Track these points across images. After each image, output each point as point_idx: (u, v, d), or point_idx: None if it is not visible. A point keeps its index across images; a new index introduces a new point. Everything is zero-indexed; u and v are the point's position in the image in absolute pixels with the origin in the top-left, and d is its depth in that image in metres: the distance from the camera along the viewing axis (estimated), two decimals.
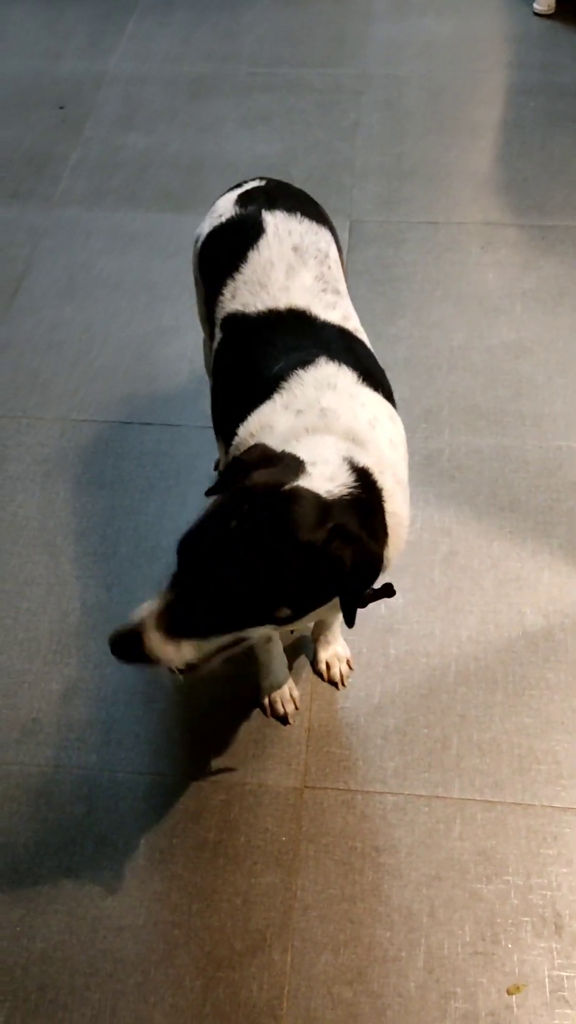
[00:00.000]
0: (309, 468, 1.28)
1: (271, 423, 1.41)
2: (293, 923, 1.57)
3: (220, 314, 1.66)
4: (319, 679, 1.89)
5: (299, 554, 1.21)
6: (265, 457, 1.28)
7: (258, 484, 1.23)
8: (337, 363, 1.46)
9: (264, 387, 1.46)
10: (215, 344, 1.67)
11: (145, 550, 2.10)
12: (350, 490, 1.28)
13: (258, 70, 3.54)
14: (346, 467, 1.31)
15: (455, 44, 3.61)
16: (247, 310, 1.59)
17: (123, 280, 2.75)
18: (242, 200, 1.75)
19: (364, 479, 1.32)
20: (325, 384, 1.42)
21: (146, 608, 1.29)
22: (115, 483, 2.24)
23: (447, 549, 2.09)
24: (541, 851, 1.66)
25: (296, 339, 1.51)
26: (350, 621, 1.26)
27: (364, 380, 1.47)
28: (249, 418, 1.44)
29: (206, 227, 1.80)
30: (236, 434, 1.46)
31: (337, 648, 1.88)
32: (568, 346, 2.53)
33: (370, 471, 1.35)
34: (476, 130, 3.23)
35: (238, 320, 1.60)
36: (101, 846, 1.66)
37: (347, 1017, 1.48)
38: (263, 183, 1.82)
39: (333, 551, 1.20)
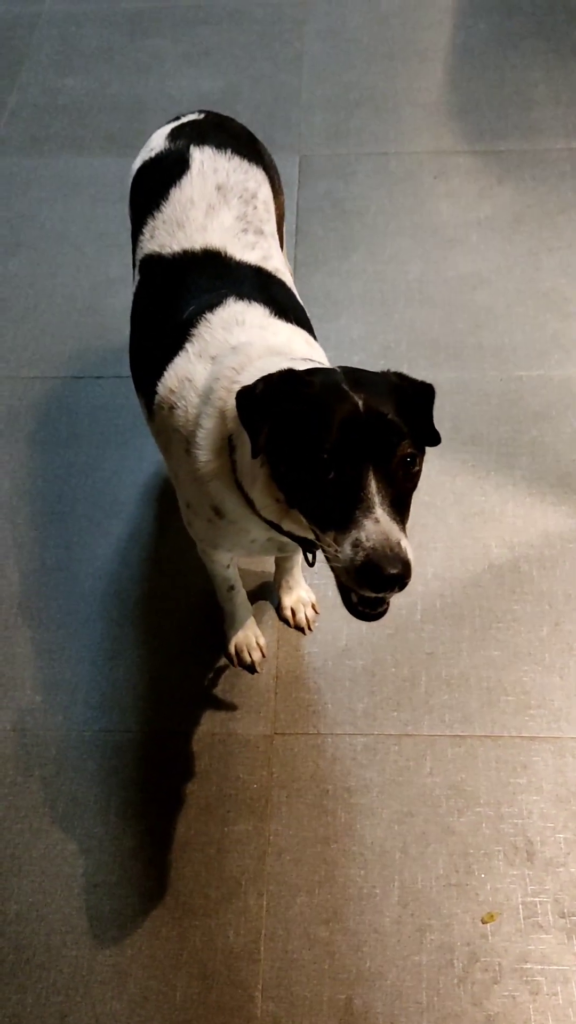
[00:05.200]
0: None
1: (189, 375, 1.37)
2: (268, 868, 1.58)
3: (139, 255, 1.61)
4: (285, 625, 1.87)
5: (403, 388, 1.23)
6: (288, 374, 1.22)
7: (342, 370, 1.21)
8: (247, 301, 1.43)
9: (176, 334, 1.42)
10: (133, 287, 1.62)
11: (103, 506, 2.06)
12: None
13: (197, 3, 3.41)
14: (297, 361, 1.30)
15: None
16: (163, 251, 1.54)
17: (68, 230, 2.67)
18: (174, 134, 1.69)
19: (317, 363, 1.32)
20: (232, 322, 1.39)
21: (379, 511, 1.09)
22: (70, 440, 2.19)
23: None
24: (511, 781, 1.66)
25: (209, 281, 1.47)
26: (438, 438, 1.25)
27: (276, 315, 1.44)
28: (165, 374, 1.41)
29: (137, 162, 1.75)
30: (156, 392, 1.42)
31: (301, 593, 1.86)
32: (526, 274, 2.48)
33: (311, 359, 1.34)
34: (425, 55, 3.13)
35: (154, 262, 1.55)
36: (72, 806, 1.65)
37: (324, 955, 1.49)
38: (201, 116, 1.75)
39: (414, 380, 1.26)
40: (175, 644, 1.86)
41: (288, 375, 1.18)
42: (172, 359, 1.41)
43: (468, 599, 1.90)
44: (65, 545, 2.01)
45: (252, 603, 1.87)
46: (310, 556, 1.38)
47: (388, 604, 1.19)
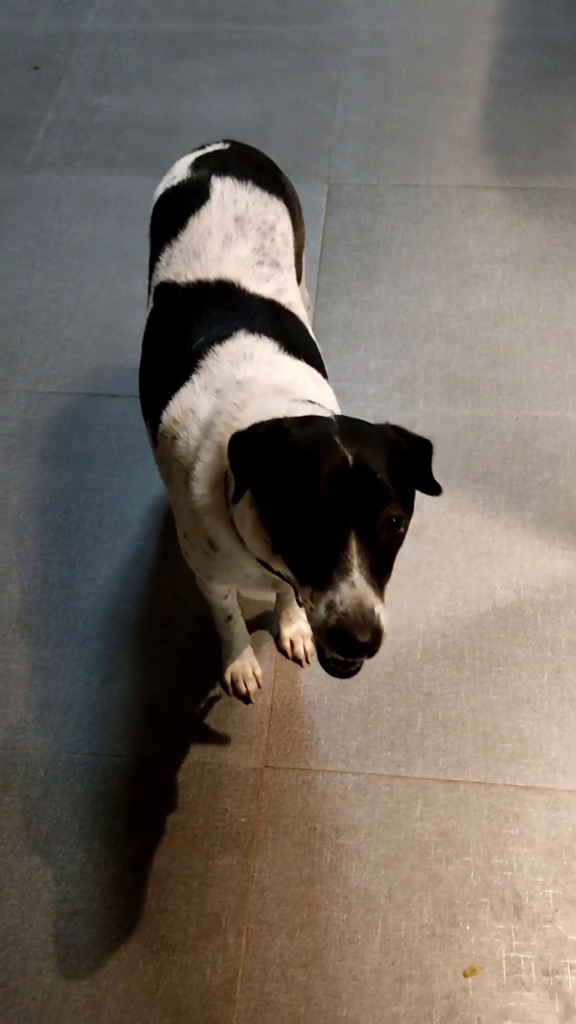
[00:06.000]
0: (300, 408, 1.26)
1: (193, 406, 1.37)
2: (249, 906, 1.55)
3: (154, 281, 1.62)
4: (283, 656, 1.86)
5: (399, 444, 1.21)
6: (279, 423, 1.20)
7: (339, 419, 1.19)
8: (257, 335, 1.42)
9: (184, 364, 1.42)
10: (147, 314, 1.62)
11: (109, 525, 2.06)
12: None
13: (237, 27, 3.44)
14: (296, 402, 1.29)
15: None
16: (178, 280, 1.54)
17: (94, 247, 2.69)
18: (198, 163, 1.69)
19: (317, 405, 1.31)
20: (240, 356, 1.38)
21: (356, 575, 1.08)
22: (80, 457, 2.19)
23: (417, 522, 2.01)
24: (503, 831, 1.63)
25: (221, 312, 1.47)
26: (439, 489, 1.25)
27: (286, 350, 1.43)
28: (171, 403, 1.40)
29: (160, 189, 1.75)
30: (161, 421, 1.42)
31: (301, 625, 1.85)
32: (549, 312, 2.46)
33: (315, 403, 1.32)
34: (461, 89, 3.14)
35: (169, 290, 1.55)
36: (56, 829, 1.63)
37: (301, 1000, 1.47)
38: (226, 146, 1.75)
39: (412, 435, 1.25)
40: (171, 669, 1.84)
41: (278, 424, 1.16)
42: (178, 389, 1.41)
43: (470, 640, 1.87)
44: (69, 562, 2.00)
45: (251, 632, 1.86)
46: (300, 597, 1.37)
47: (360, 665, 1.18)
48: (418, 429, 2.21)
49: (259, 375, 1.34)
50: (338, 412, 1.44)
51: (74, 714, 1.77)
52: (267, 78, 3.22)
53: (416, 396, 2.29)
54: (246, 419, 1.26)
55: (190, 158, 1.73)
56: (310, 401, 1.28)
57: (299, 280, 1.83)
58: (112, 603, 1.94)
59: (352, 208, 2.76)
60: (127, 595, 1.95)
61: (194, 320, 1.49)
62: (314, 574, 1.11)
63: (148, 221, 2.74)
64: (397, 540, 1.14)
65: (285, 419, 1.18)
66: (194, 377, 1.39)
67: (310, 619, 1.12)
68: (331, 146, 2.96)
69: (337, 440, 1.12)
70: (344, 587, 1.07)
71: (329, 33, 3.36)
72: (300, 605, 1.37)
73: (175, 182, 1.69)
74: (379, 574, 1.11)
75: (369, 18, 3.41)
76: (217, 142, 1.79)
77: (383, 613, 1.08)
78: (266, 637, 1.89)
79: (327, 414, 1.24)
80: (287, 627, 1.84)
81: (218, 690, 1.81)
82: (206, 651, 1.85)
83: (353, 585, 1.07)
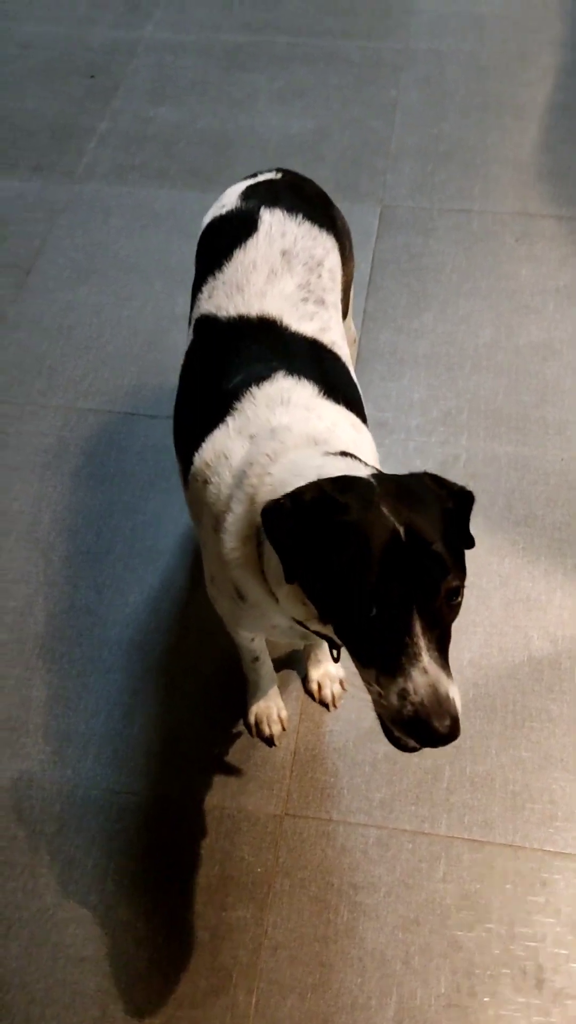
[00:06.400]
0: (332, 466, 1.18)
1: (226, 451, 1.32)
2: (261, 963, 1.51)
3: (195, 314, 1.57)
4: (310, 699, 1.81)
5: (444, 500, 1.14)
6: (323, 490, 1.12)
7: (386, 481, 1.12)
8: (296, 377, 1.37)
9: (220, 404, 1.38)
10: (185, 346, 1.58)
11: (140, 551, 2.03)
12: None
13: (297, 40, 3.40)
14: (330, 455, 1.23)
15: (505, 20, 3.42)
16: (219, 313, 1.50)
17: (140, 262, 2.66)
18: (248, 193, 1.65)
19: (352, 456, 1.24)
20: (277, 400, 1.33)
21: (426, 659, 1.03)
22: (115, 478, 2.16)
23: None
24: (528, 898, 1.57)
25: (261, 350, 1.42)
26: (473, 542, 1.17)
27: (325, 394, 1.38)
28: (203, 445, 1.36)
29: (208, 216, 1.71)
30: (193, 462, 1.37)
31: (329, 667, 1.80)
32: None
33: (351, 454, 1.26)
34: (521, 113, 3.06)
35: (209, 323, 1.51)
36: (69, 868, 1.60)
37: None
38: (278, 175, 1.71)
39: (453, 487, 1.17)
40: (193, 705, 1.80)
41: (320, 497, 1.10)
42: (212, 431, 1.36)
43: (503, 692, 1.81)
44: (96, 588, 1.97)
45: (278, 671, 1.81)
46: (335, 652, 1.32)
47: None
48: (460, 466, 2.17)
49: (295, 422, 1.29)
50: (376, 460, 1.40)
51: (93, 747, 1.74)
52: (324, 94, 3.17)
53: (459, 431, 2.23)
54: (278, 474, 1.21)
55: (241, 186, 1.69)
56: (346, 453, 1.23)
57: (345, 315, 1.78)
58: (138, 632, 1.90)
59: (404, 231, 2.70)
60: (154, 625, 1.91)
61: (233, 357, 1.45)
62: (378, 658, 1.05)
63: (196, 237, 2.72)
64: (456, 611, 1.09)
65: (324, 482, 1.12)
66: (229, 420, 1.35)
67: (378, 704, 1.07)
68: (386, 166, 2.90)
69: (385, 511, 1.06)
70: (416, 674, 1.02)
71: (389, 50, 3.30)
72: (335, 660, 1.33)
73: (224, 211, 1.65)
74: (444, 650, 1.06)
75: (431, 36, 3.35)
76: (270, 170, 1.75)
77: (457, 696, 1.03)
78: (293, 677, 1.84)
79: (365, 471, 1.18)
80: (315, 669, 1.80)
81: (241, 729, 1.76)
82: (231, 687, 1.80)
83: (425, 671, 1.02)
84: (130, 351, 2.43)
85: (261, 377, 1.37)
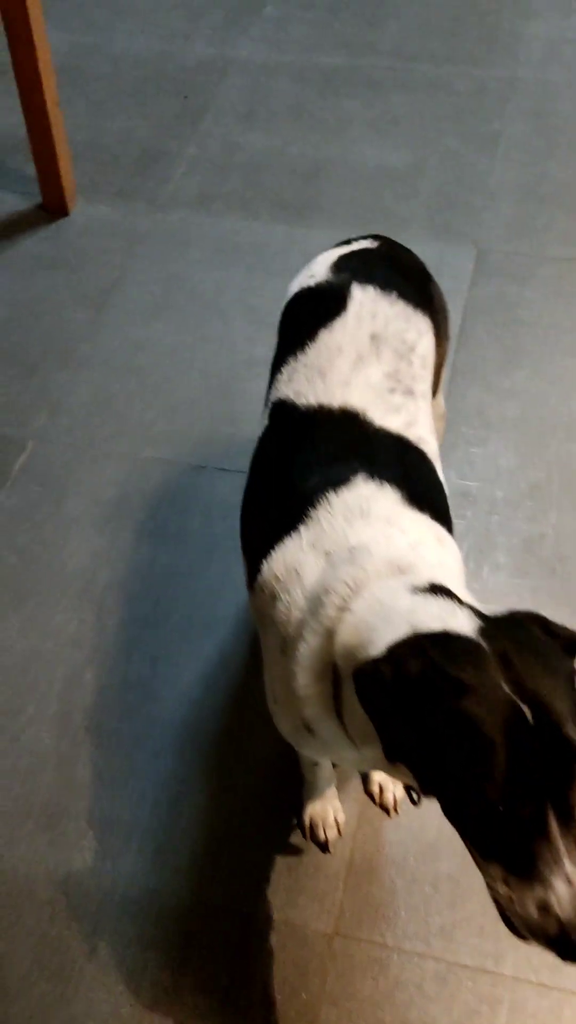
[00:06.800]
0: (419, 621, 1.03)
1: (298, 566, 1.19)
2: None
3: (272, 395, 1.45)
4: (370, 801, 1.68)
5: (564, 660, 1.01)
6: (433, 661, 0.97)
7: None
8: (378, 482, 1.24)
9: (293, 506, 1.25)
10: (260, 431, 1.46)
11: (199, 621, 1.91)
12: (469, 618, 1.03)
13: (396, 65, 3.25)
14: (419, 593, 1.08)
15: None
16: (298, 400, 1.37)
17: (219, 298, 2.55)
18: (340, 264, 1.51)
19: (442, 592, 1.08)
20: (357, 511, 1.20)
21: (568, 866, 0.90)
22: (178, 537, 2.05)
23: None
24: None
25: (341, 447, 1.29)
26: None
27: (409, 501, 1.25)
28: (273, 553, 1.23)
29: (295, 285, 1.58)
30: (260, 570, 1.25)
31: None
32: None
33: (441, 587, 1.11)
34: None
35: (286, 410, 1.38)
36: (102, 974, 1.50)
37: None
38: (375, 245, 1.57)
39: (568, 634, 1.04)
40: (244, 797, 1.69)
41: (428, 672, 0.94)
42: (283, 538, 1.24)
43: None
44: (151, 659, 1.86)
45: (335, 767, 1.68)
46: (415, 796, 1.17)
47: None
48: (547, 546, 2.01)
49: (375, 542, 1.16)
50: (461, 577, 1.26)
51: (136, 839, 1.63)
52: (422, 124, 3.02)
53: (548, 506, 2.07)
54: (361, 613, 1.08)
55: (333, 255, 1.56)
56: (436, 588, 1.09)
57: (435, 393, 1.64)
58: (191, 712, 1.79)
59: (499, 278, 2.54)
60: (208, 704, 1.80)
61: (310, 452, 1.32)
62: (506, 855, 0.92)
63: (280, 275, 2.59)
64: None
65: (426, 644, 0.98)
66: (302, 529, 1.22)
67: (506, 908, 0.94)
68: (484, 205, 2.74)
69: (506, 687, 0.92)
70: (559, 884, 0.89)
71: (495, 79, 3.13)
72: (414, 803, 1.18)
73: (312, 282, 1.52)
74: None
75: (541, 65, 3.17)
76: (365, 237, 1.61)
77: None
78: (353, 774, 1.71)
79: (464, 618, 1.02)
80: (376, 770, 1.66)
81: (293, 832, 1.64)
82: (286, 780, 1.68)
83: (569, 882, 0.88)
84: (202, 397, 2.32)
85: (339, 481, 1.24)
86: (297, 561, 1.20)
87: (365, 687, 0.99)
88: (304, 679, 1.14)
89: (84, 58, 3.36)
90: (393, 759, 0.99)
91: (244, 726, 1.77)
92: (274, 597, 1.22)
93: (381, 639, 1.02)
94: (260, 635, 1.34)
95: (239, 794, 1.69)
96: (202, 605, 1.94)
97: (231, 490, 2.12)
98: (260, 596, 1.26)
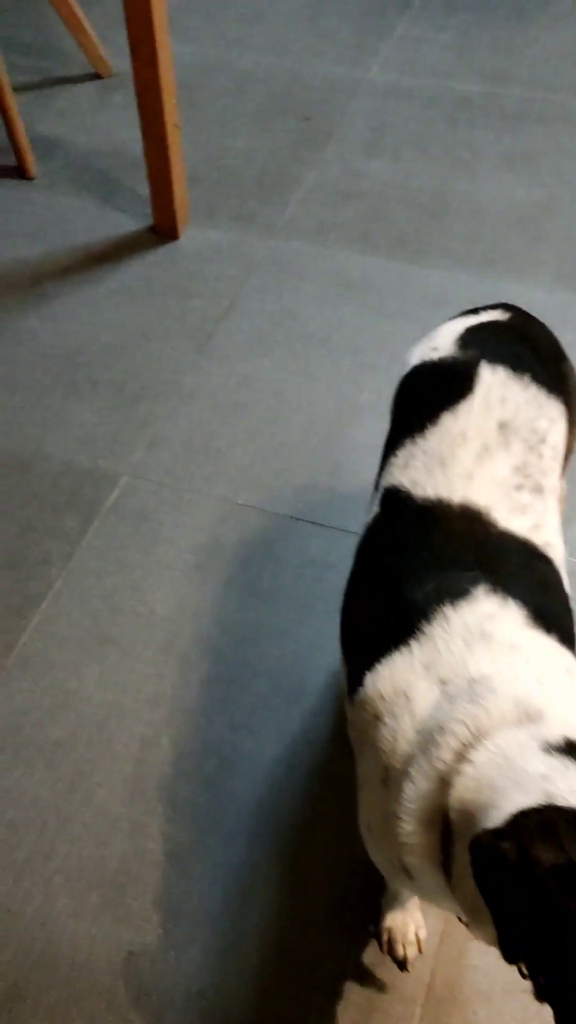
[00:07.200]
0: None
1: (408, 690, 1.07)
2: None
3: (385, 479, 1.32)
4: (455, 919, 1.54)
5: None
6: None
7: None
8: (501, 597, 1.11)
9: (403, 615, 1.13)
10: (369, 517, 1.34)
11: (285, 688, 1.81)
12: None
13: (533, 95, 3.09)
14: (553, 753, 0.95)
15: None
16: (413, 490, 1.24)
17: (329, 337, 2.44)
18: (468, 337, 1.38)
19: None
20: (478, 633, 1.08)
21: None
22: (269, 593, 1.95)
23: None
24: None
25: (460, 551, 1.17)
26: None
27: (534, 620, 1.11)
28: (379, 667, 1.11)
29: (415, 356, 1.45)
30: (362, 683, 1.13)
31: None
32: None
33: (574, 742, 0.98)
34: None
35: (400, 499, 1.25)
36: None
37: None
38: (506, 317, 1.44)
39: None
40: (319, 896, 1.57)
41: (564, 868, 0.81)
42: (391, 650, 1.12)
43: None
44: (231, 725, 1.76)
45: None
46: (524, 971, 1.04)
47: None
48: None
49: (499, 676, 1.03)
50: None
51: (203, 931, 1.53)
52: (557, 160, 2.86)
53: None
54: (484, 769, 0.95)
55: (459, 326, 1.42)
56: (572, 747, 0.95)
57: (562, 472, 1.50)
58: (270, 791, 1.68)
59: None
60: (288, 786, 1.69)
61: (424, 552, 1.19)
62: None
63: (394, 319, 2.48)
64: None
65: (565, 837, 0.84)
66: (414, 644, 1.10)
67: None
68: None
69: None
70: None
71: None
72: (519, 971, 1.05)
73: (435, 356, 1.39)
74: None
75: None
76: (494, 307, 1.47)
77: None
78: None
79: None
80: None
81: (369, 944, 1.52)
82: (365, 881, 1.56)
83: None
84: (304, 442, 2.21)
85: (458, 593, 1.11)
86: (407, 683, 1.08)
87: (483, 865, 0.86)
88: (409, 826, 1.01)
89: (209, 73, 3.28)
90: (512, 959, 0.86)
91: (325, 817, 1.65)
92: (377, 718, 1.10)
93: (506, 805, 0.90)
94: (355, 750, 1.22)
95: (314, 892, 1.57)
96: (290, 670, 1.83)
97: (326, 548, 2.02)
98: (361, 713, 1.14)
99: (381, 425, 2.20)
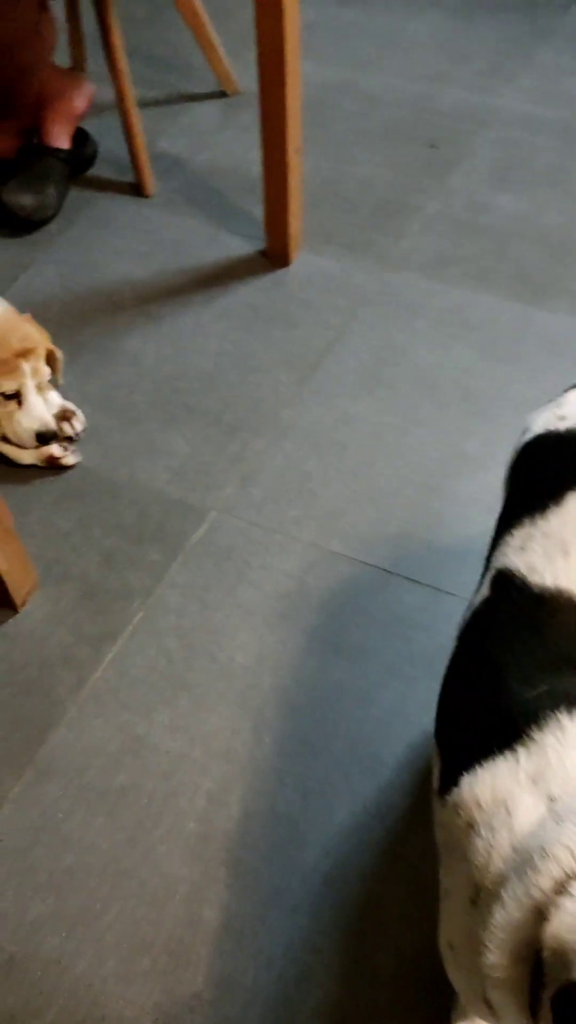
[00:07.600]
0: None
1: (508, 801, 0.95)
2: None
3: (496, 561, 1.21)
4: None
5: None
6: None
7: None
8: None
9: (510, 716, 1.01)
10: (476, 596, 1.22)
11: (362, 756, 1.71)
12: None
13: None
14: None
15: None
16: (529, 576, 1.13)
17: (438, 379, 2.33)
18: None
19: None
20: None
21: None
22: (354, 651, 1.85)
23: None
24: None
25: None
26: None
27: None
28: (478, 770, 0.99)
29: (539, 423, 1.33)
30: (457, 783, 1.02)
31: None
32: None
33: None
34: None
35: (513, 584, 1.14)
36: None
37: None
38: None
39: None
40: (381, 991, 1.47)
41: None
42: (493, 753, 1.01)
43: None
44: (303, 791, 1.68)
45: None
46: None
47: None
48: None
49: None
50: None
51: (255, 1013, 1.45)
52: None
53: None
54: None
55: None
56: None
57: None
58: (338, 866, 1.59)
59: None
60: (356, 864, 1.59)
61: (538, 648, 1.08)
62: None
63: (508, 363, 2.36)
64: None
65: None
66: (520, 751, 0.99)
67: None
68: None
69: None
70: None
71: None
72: None
73: (562, 427, 1.27)
74: None
75: None
76: None
77: None
78: None
79: None
80: None
81: None
82: (431, 986, 1.45)
83: None
84: (403, 491, 2.11)
85: (575, 698, 1.00)
86: (509, 794, 0.97)
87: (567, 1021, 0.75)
88: (497, 957, 0.90)
89: (335, 94, 3.21)
90: None
91: (392, 900, 1.55)
92: (471, 827, 0.99)
93: None
94: (440, 853, 1.11)
95: (376, 986, 1.47)
96: (369, 737, 1.73)
97: (419, 606, 1.91)
98: (453, 817, 1.03)
99: (487, 478, 2.09)
